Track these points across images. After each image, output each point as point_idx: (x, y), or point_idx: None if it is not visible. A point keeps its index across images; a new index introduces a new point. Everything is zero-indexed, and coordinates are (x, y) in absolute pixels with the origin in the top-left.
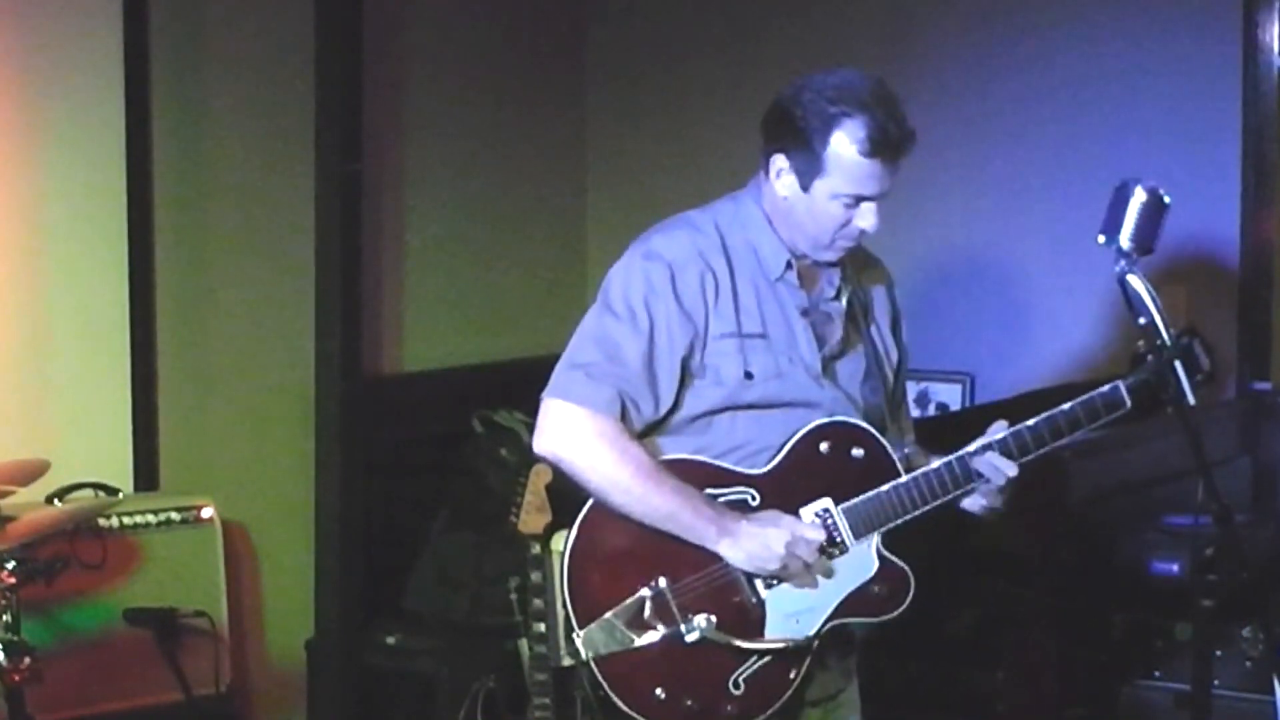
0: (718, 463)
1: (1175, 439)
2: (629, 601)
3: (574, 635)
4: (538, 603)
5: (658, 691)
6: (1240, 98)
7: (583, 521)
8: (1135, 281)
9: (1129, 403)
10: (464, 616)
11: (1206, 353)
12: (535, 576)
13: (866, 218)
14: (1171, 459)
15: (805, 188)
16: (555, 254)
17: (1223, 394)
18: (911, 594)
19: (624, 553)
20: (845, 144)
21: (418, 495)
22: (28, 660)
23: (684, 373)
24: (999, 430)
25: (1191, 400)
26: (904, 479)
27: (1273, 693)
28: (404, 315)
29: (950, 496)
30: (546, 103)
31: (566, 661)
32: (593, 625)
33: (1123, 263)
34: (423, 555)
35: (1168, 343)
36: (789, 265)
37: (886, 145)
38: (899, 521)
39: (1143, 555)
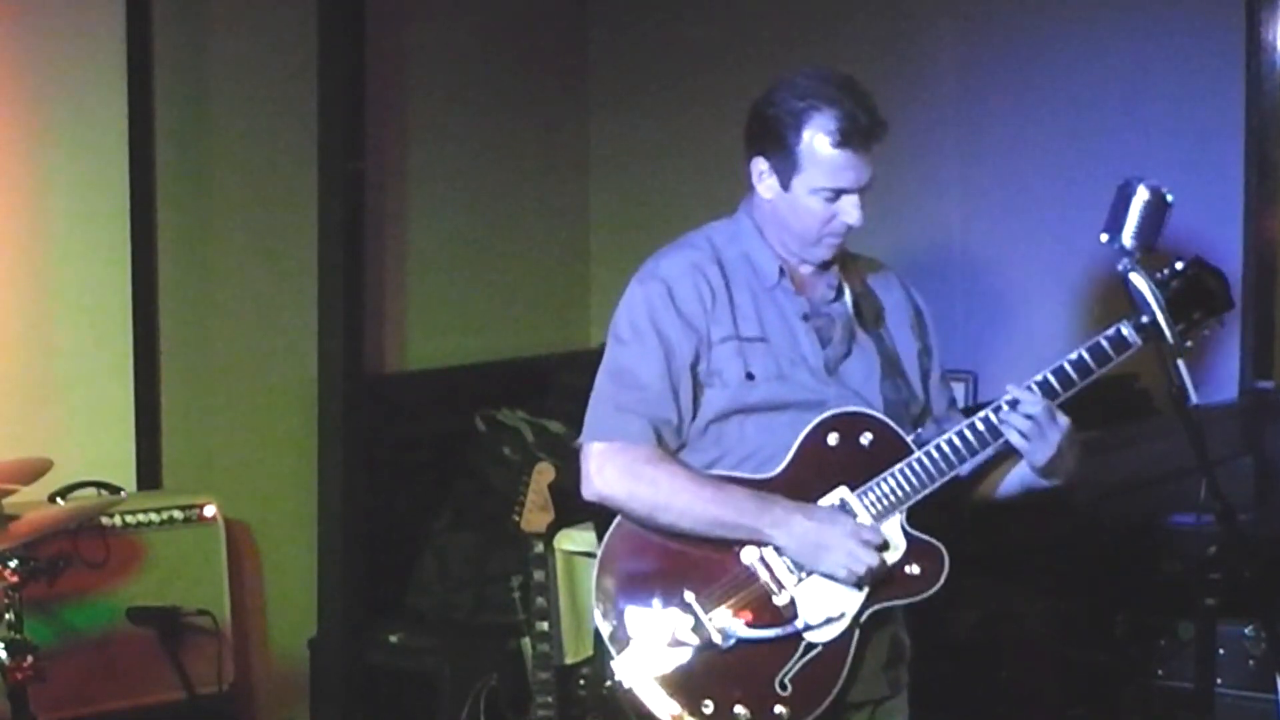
0: (732, 473)
1: (1177, 438)
2: (660, 621)
3: (612, 664)
4: (540, 601)
5: (706, 703)
6: (1243, 96)
7: (602, 557)
8: (1138, 280)
9: (1139, 342)
10: (467, 615)
11: (1216, 276)
12: (538, 575)
13: (850, 212)
14: (1174, 458)
15: (785, 186)
16: (558, 252)
17: (1225, 393)
18: (947, 570)
19: (645, 575)
20: (817, 137)
21: (420, 494)
22: (30, 659)
23: (695, 382)
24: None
25: (1193, 397)
26: (915, 454)
27: (1275, 691)
28: (407, 314)
29: (977, 458)
30: (549, 102)
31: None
32: (629, 651)
33: (1125, 261)
34: (425, 554)
35: (1170, 341)
36: (782, 272)
37: (857, 134)
38: (918, 497)
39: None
